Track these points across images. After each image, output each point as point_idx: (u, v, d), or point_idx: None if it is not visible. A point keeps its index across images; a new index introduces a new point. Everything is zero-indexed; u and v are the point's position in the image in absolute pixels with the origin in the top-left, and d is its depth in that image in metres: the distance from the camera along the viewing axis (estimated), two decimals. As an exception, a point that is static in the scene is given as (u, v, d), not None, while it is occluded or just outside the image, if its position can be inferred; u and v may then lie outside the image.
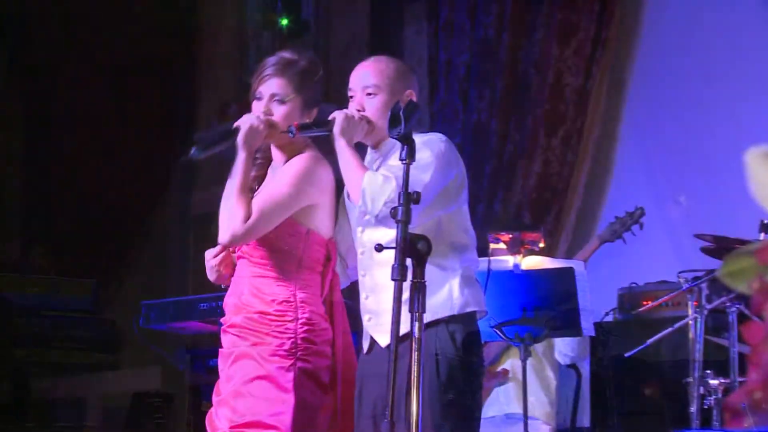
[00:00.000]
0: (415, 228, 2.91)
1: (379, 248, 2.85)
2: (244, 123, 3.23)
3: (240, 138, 3.21)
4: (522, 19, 6.35)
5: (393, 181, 3.02)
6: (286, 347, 3.14)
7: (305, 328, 3.16)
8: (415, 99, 3.23)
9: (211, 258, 3.35)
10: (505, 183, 6.20)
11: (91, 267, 8.68)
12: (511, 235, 4.40)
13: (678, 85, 5.96)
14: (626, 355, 4.67)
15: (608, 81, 6.14)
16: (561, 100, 6.11)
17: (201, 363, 4.84)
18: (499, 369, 4.86)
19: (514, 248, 4.44)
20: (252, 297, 3.21)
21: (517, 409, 4.56)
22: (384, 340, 3.18)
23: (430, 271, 2.94)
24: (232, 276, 3.33)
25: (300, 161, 3.26)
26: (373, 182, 3.03)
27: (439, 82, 6.61)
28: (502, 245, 4.50)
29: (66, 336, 8.11)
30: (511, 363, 4.81)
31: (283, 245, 3.20)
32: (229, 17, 8.36)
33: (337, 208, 3.33)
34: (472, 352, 3.24)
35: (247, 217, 3.15)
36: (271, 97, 3.24)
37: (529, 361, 4.70)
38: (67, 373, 8.71)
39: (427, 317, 2.93)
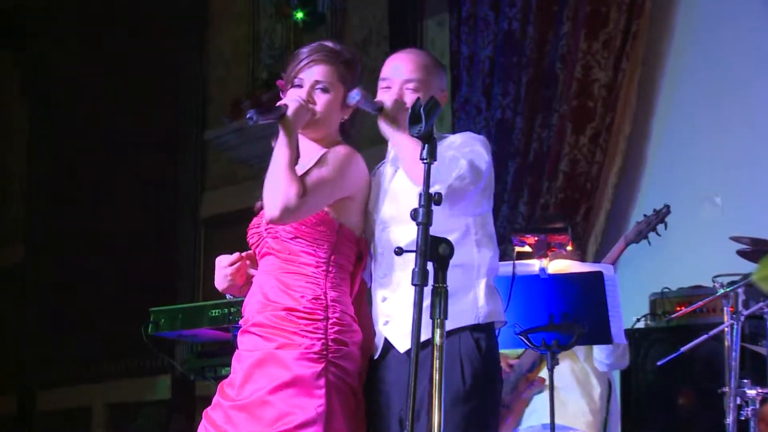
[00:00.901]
0: (449, 228, 3.07)
1: (399, 251, 2.87)
2: (291, 101, 3.22)
3: (290, 112, 3.18)
4: (548, 11, 6.36)
5: (461, 159, 3.13)
6: (316, 349, 3.10)
7: (336, 328, 3.15)
8: (446, 98, 3.30)
9: (226, 265, 3.34)
10: (531, 183, 6.21)
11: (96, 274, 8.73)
12: (536, 238, 4.40)
13: (713, 79, 5.95)
14: (658, 363, 4.67)
15: (639, 76, 6.14)
16: (589, 96, 6.11)
17: (212, 372, 4.86)
18: (536, 377, 4.86)
19: (539, 251, 4.44)
20: (280, 293, 3.17)
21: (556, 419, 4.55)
22: (403, 344, 3.20)
23: (455, 275, 3.01)
24: (245, 286, 3.33)
25: (341, 149, 3.29)
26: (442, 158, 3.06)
27: (461, 78, 6.63)
28: (527, 248, 4.50)
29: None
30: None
31: (316, 237, 3.20)
32: (241, 9, 8.40)
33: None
34: (496, 362, 3.29)
35: (300, 191, 3.12)
36: (314, 84, 3.25)
37: (570, 368, 4.72)
38: (74, 382, 8.78)
39: (450, 324, 2.96)
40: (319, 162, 3.24)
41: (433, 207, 3.03)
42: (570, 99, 6.15)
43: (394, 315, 3.22)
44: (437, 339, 2.78)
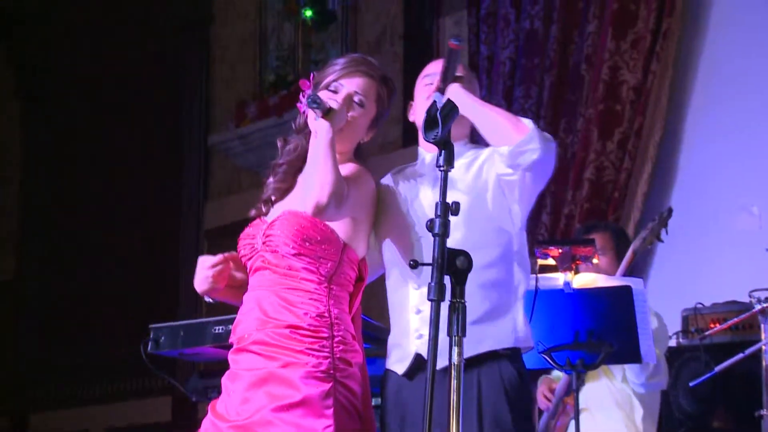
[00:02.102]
0: (492, 241, 3.18)
1: (414, 264, 2.88)
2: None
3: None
4: (573, 8, 6.37)
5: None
6: (323, 368, 3.11)
7: (342, 347, 3.16)
8: None
9: (209, 266, 3.35)
10: (554, 192, 6.21)
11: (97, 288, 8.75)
12: (561, 250, 4.40)
13: (749, 82, 5.94)
14: (691, 384, 4.66)
15: (670, 77, 6.13)
16: (617, 99, 6.11)
17: (215, 392, 4.86)
18: (571, 402, 4.83)
19: (564, 264, 4.44)
20: (281, 309, 3.17)
21: None
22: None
23: (496, 293, 3.14)
24: (224, 290, 3.35)
25: (357, 167, 3.34)
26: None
27: (481, 79, 6.63)
28: (550, 261, 4.50)
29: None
30: (584, 391, 4.75)
31: (319, 255, 3.21)
32: (247, 7, 8.43)
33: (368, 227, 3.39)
34: (532, 387, 3.34)
35: (347, 187, 3.17)
36: (352, 94, 3.28)
37: (607, 388, 4.69)
38: (72, 404, 8.80)
39: (489, 345, 3.08)
40: (346, 177, 3.25)
41: (477, 219, 3.24)
42: (596, 102, 6.15)
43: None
44: (455, 357, 2.78)
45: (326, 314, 3.17)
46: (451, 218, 2.94)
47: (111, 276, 8.76)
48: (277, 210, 3.32)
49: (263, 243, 3.26)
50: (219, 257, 3.37)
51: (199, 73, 8.60)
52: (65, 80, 9.31)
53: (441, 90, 3.25)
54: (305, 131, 3.34)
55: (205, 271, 3.36)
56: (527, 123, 3.27)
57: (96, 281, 8.85)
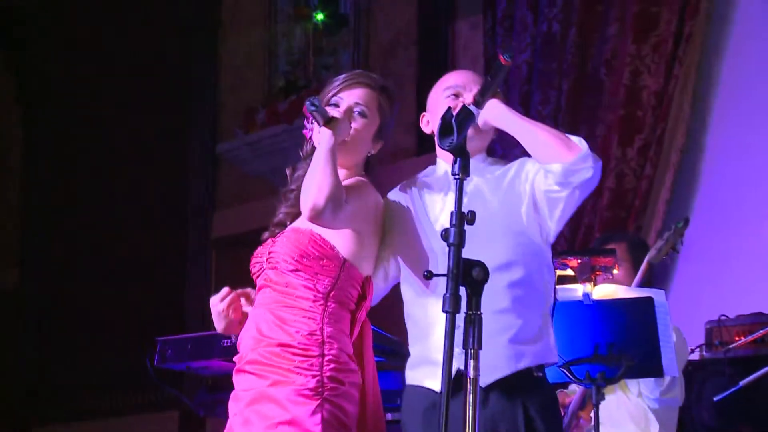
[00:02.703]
0: (525, 253, 3.25)
1: (429, 275, 2.89)
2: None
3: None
4: (592, 11, 6.37)
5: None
6: (310, 386, 3.15)
7: (332, 365, 3.19)
8: None
9: (217, 302, 3.40)
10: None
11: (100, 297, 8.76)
12: (580, 260, 4.40)
13: (775, 87, 5.94)
14: (715, 399, 4.65)
15: (693, 82, 6.13)
16: (638, 104, 6.11)
17: (223, 407, 4.86)
18: (588, 415, 4.83)
19: (583, 275, 4.43)
20: (274, 327, 3.22)
21: None
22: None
23: (531, 309, 3.25)
24: (243, 322, 3.37)
25: (361, 180, 3.39)
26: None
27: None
28: (569, 271, 4.50)
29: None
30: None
31: (317, 272, 3.25)
32: (256, 11, 8.44)
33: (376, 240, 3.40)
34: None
35: (345, 195, 3.20)
36: (353, 106, 3.34)
37: (622, 403, 4.69)
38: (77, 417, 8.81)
39: (527, 362, 3.21)
40: (347, 187, 3.29)
41: (514, 234, 3.29)
42: (616, 108, 6.15)
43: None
44: (471, 371, 2.79)
45: (318, 332, 3.20)
46: (486, 232, 3.08)
47: (116, 287, 8.77)
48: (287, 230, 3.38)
49: (266, 260, 3.33)
50: (224, 290, 3.42)
51: (207, 79, 8.61)
52: (68, 86, 9.34)
53: (478, 103, 3.26)
54: (312, 156, 3.37)
55: (215, 308, 3.41)
56: (579, 141, 3.28)
57: (100, 292, 8.86)
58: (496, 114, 3.27)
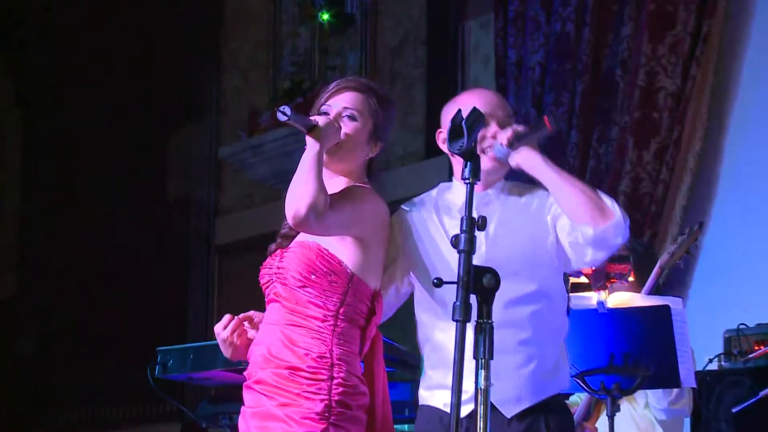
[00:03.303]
0: (548, 276, 3.34)
1: (438, 283, 2.88)
2: (321, 119, 3.34)
3: (321, 124, 3.29)
4: (607, 10, 6.36)
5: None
6: (317, 410, 3.18)
7: (340, 389, 3.22)
8: None
9: (221, 330, 3.42)
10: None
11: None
12: (594, 267, 4.39)
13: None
14: (734, 410, 4.63)
15: (711, 84, 6.11)
16: (654, 106, 6.10)
17: (227, 419, 4.87)
18: (592, 427, 4.82)
19: (597, 282, 4.42)
20: (284, 348, 3.26)
21: None
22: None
23: (557, 338, 3.36)
24: (249, 346, 3.39)
25: (363, 186, 3.40)
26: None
27: (509, 86, 6.64)
28: (583, 279, 4.49)
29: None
30: (605, 417, 4.74)
31: (325, 288, 3.27)
32: (259, 11, 8.45)
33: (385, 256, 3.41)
34: None
35: (329, 201, 3.21)
36: (341, 111, 3.37)
37: (629, 414, 4.67)
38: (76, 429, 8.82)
39: (553, 389, 3.32)
40: (342, 192, 3.34)
41: (542, 265, 3.35)
42: (632, 110, 6.13)
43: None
44: (482, 382, 2.78)
45: (327, 354, 3.23)
46: (513, 263, 3.19)
47: (116, 295, 8.78)
48: (295, 241, 3.39)
49: (275, 274, 3.35)
50: (226, 318, 3.44)
51: (209, 81, 8.62)
52: (68, 88, 9.35)
53: (511, 145, 3.28)
54: None
55: (220, 337, 3.44)
56: (612, 205, 3.33)
57: (100, 301, 8.87)
58: (531, 164, 3.31)
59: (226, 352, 3.43)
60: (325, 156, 3.31)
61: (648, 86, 6.11)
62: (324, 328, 3.25)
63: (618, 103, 6.23)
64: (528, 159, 3.30)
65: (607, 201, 3.34)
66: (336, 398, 3.20)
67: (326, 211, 3.19)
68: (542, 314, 3.36)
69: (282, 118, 3.22)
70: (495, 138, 3.33)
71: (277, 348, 3.25)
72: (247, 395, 3.31)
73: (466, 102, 3.43)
